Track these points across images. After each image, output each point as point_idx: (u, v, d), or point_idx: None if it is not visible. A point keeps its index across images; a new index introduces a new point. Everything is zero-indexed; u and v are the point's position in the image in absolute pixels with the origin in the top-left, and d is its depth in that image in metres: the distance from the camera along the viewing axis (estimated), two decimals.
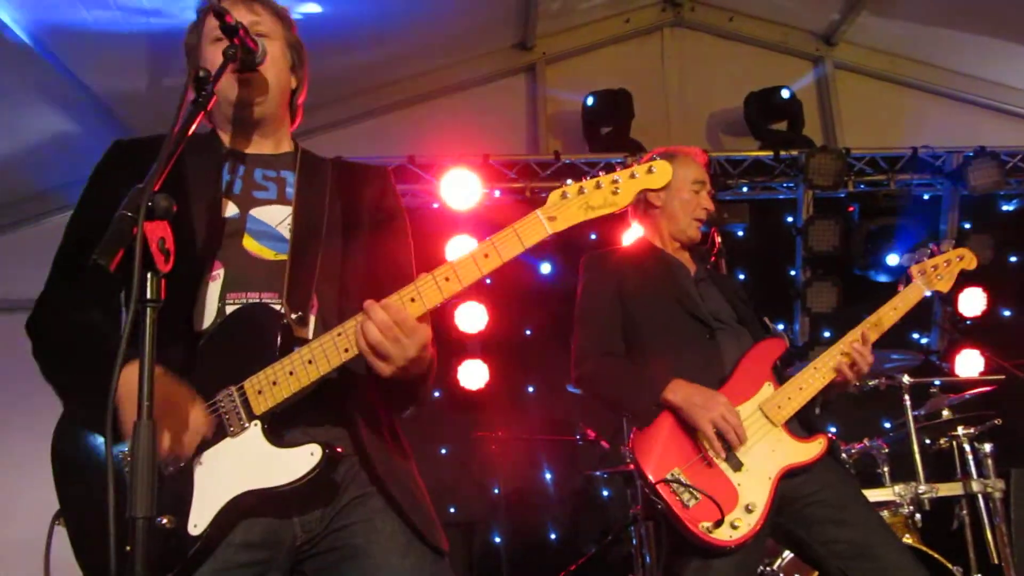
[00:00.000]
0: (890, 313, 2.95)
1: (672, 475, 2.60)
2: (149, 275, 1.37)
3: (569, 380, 5.09)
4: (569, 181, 1.80)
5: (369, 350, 1.69)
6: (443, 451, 5.89)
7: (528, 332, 6.23)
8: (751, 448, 2.67)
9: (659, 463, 2.63)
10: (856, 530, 2.64)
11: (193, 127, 1.63)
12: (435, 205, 5.85)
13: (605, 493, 5.91)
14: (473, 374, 5.69)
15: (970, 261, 3.08)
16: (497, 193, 5.92)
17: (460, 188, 5.57)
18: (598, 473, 5.22)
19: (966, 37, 6.09)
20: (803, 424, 2.84)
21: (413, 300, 1.72)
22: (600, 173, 1.81)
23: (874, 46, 6.50)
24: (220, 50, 1.81)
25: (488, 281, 5.91)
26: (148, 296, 1.37)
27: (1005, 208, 6.44)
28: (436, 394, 5.86)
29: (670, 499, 2.57)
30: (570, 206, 1.78)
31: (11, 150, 5.04)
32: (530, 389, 6.13)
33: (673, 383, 2.70)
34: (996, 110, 6.54)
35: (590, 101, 5.98)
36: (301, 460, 1.70)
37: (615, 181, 1.79)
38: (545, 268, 6.13)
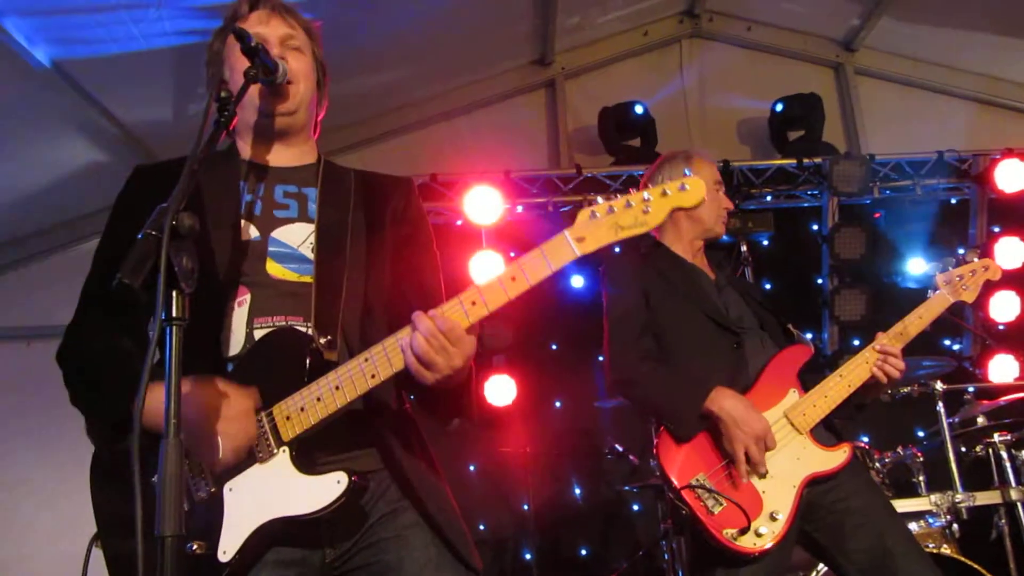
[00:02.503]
0: (916, 321, 2.94)
1: (697, 480, 2.59)
2: (174, 293, 1.38)
3: (596, 394, 5.13)
4: (599, 199, 1.74)
5: (415, 359, 1.69)
6: (471, 468, 5.87)
7: (554, 347, 6.21)
8: (776, 455, 2.65)
9: (683, 468, 2.62)
10: (879, 539, 2.61)
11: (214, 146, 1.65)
12: (459, 222, 5.87)
13: (635, 508, 5.87)
14: (500, 390, 5.67)
15: (995, 272, 3.07)
16: (520, 208, 5.93)
17: (483, 204, 5.59)
18: (628, 488, 5.18)
19: (988, 38, 6.03)
20: (830, 431, 2.81)
21: None
22: (632, 191, 1.75)
23: (895, 50, 6.44)
24: (244, 68, 1.83)
25: None
26: (174, 314, 1.38)
27: None
28: None
29: (695, 505, 2.56)
30: (599, 226, 1.72)
31: (42, 180, 5.12)
32: (557, 404, 6.10)
33: (716, 392, 2.67)
34: (1021, 111, 6.46)
35: (640, 110, 5.97)
36: (328, 488, 1.71)
37: (646, 200, 1.73)
38: (575, 282, 6.09)
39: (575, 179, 5.88)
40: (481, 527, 5.74)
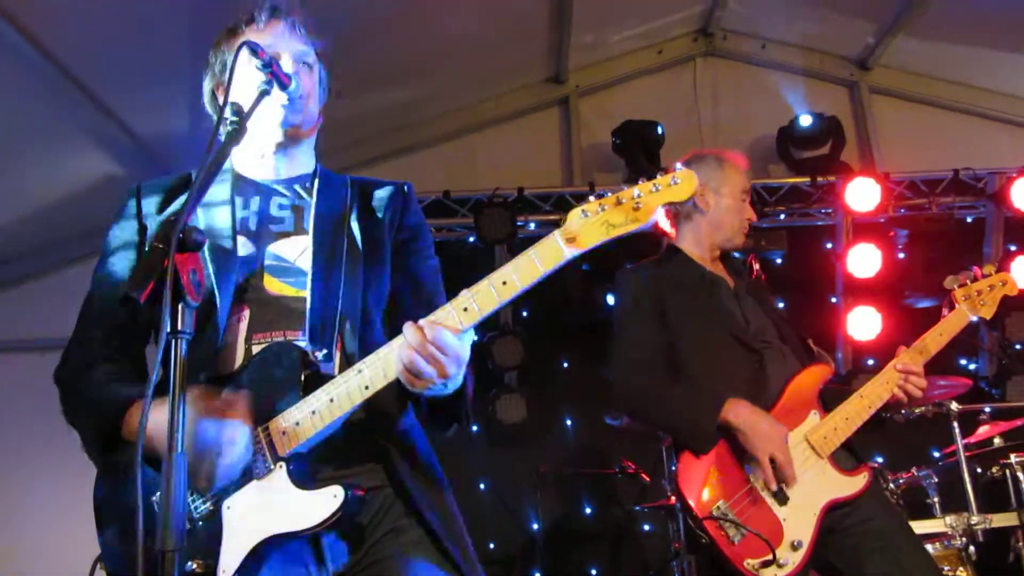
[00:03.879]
0: (936, 339, 2.90)
1: (718, 509, 2.54)
2: (180, 306, 1.38)
3: (608, 412, 5.09)
4: (591, 198, 1.70)
5: (404, 370, 1.66)
6: (481, 486, 5.84)
7: (565, 364, 6.19)
8: (797, 481, 2.61)
9: (704, 495, 2.57)
10: (896, 563, 2.57)
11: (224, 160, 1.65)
12: (470, 239, 5.88)
13: (646, 528, 5.81)
14: (511, 408, 5.65)
15: (1012, 287, 3.02)
16: (532, 225, 5.93)
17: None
18: (638, 507, 5.14)
19: (1004, 56, 6.01)
20: (848, 452, 2.77)
21: None
22: (624, 187, 1.70)
23: (910, 69, 6.43)
24: (257, 81, 1.83)
25: (524, 314, 5.96)
26: (179, 327, 1.38)
27: None
28: (474, 428, 5.83)
29: (715, 534, 2.51)
30: (590, 225, 1.67)
31: (58, 191, 5.18)
32: (568, 422, 6.07)
33: (730, 403, 2.63)
34: None
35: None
36: (324, 503, 1.68)
37: (636, 196, 1.67)
38: (586, 299, 6.07)
39: (588, 196, 5.87)
40: (491, 546, 5.69)
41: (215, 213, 1.94)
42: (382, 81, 5.47)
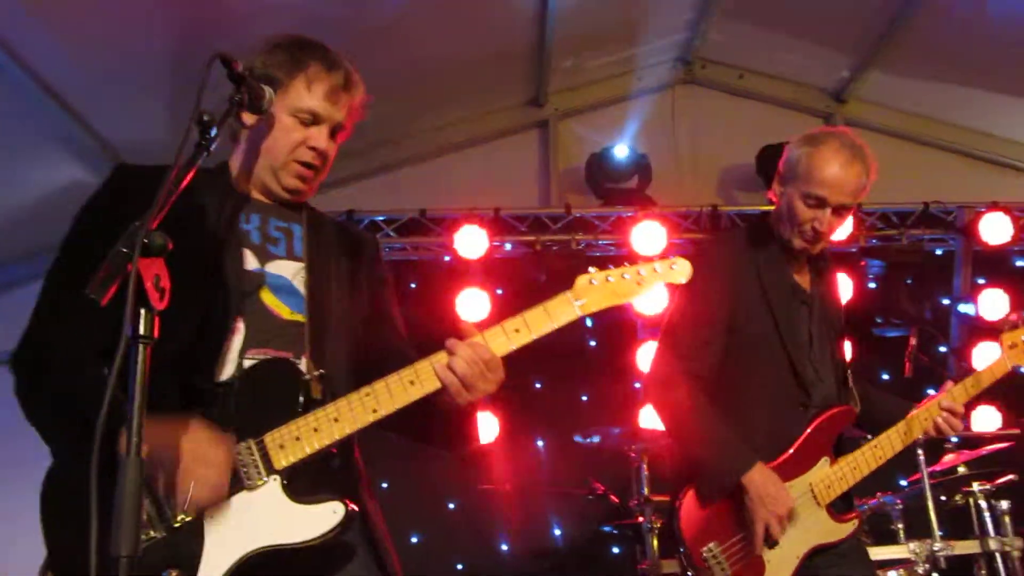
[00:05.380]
0: (968, 389, 2.88)
1: (709, 551, 2.57)
2: (143, 311, 1.38)
3: (577, 432, 5.09)
4: (592, 269, 1.95)
5: (457, 382, 1.81)
6: (451, 505, 5.81)
7: (538, 385, 6.19)
8: (790, 527, 2.61)
9: (699, 534, 2.60)
10: None
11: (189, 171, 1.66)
12: (447, 258, 5.88)
13: (615, 550, 5.81)
14: (481, 427, 5.64)
15: None
16: (508, 246, 5.95)
17: (471, 241, 5.61)
18: (607, 528, 5.14)
19: (976, 94, 6.13)
20: (843, 496, 2.78)
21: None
22: (625, 264, 1.98)
23: (884, 103, 6.54)
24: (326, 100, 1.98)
25: None
26: (141, 333, 1.37)
27: (1019, 263, 6.40)
28: None
29: (703, 573, 2.57)
30: (598, 291, 1.93)
31: (26, 201, 5.09)
32: (539, 443, 6.07)
33: (755, 468, 2.57)
34: (1007, 166, 6.56)
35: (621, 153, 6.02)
36: (323, 517, 1.73)
37: (640, 273, 1.96)
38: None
39: (564, 218, 5.92)
40: (459, 566, 5.66)
41: (223, 222, 1.95)
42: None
